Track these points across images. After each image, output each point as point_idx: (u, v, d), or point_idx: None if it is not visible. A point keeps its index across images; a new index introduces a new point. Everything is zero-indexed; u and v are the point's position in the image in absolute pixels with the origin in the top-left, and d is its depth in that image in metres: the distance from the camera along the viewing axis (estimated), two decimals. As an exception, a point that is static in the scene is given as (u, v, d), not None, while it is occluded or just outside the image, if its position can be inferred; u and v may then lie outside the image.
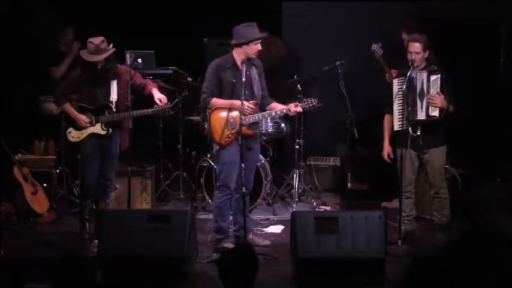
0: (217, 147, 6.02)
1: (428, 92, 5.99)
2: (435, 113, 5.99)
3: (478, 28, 8.09)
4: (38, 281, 4.05)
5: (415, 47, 6.04)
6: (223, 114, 5.94)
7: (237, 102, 5.82)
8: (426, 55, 6.06)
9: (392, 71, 7.02)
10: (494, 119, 8.22)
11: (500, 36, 8.32)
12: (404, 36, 7.13)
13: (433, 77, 6.00)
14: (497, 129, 8.21)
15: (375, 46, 6.99)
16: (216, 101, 5.94)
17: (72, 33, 7.68)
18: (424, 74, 6.02)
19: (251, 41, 5.88)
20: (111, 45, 6.15)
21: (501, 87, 8.34)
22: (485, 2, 8.17)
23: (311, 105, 5.98)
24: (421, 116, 6.01)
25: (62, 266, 3.72)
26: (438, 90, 5.98)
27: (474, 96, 7.89)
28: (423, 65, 6.09)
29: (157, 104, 6.19)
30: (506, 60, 8.32)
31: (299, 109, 5.99)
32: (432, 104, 5.97)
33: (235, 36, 5.92)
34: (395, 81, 6.13)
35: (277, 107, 6.09)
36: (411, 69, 5.97)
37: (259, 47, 5.92)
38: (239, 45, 5.90)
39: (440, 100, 5.96)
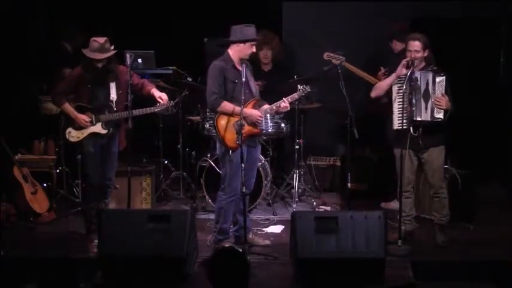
0: (223, 149, 6.01)
1: (433, 93, 5.98)
2: (440, 114, 5.98)
3: (478, 28, 8.10)
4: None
5: (415, 46, 6.02)
6: (228, 118, 5.97)
7: (238, 110, 5.85)
8: (425, 54, 6.05)
9: (381, 72, 7.01)
10: (494, 119, 8.23)
11: (501, 36, 8.33)
12: (397, 44, 7.13)
13: (438, 79, 5.98)
14: (498, 129, 8.22)
15: (327, 54, 6.91)
16: (225, 104, 5.93)
17: (82, 38, 7.63)
18: (430, 75, 6.00)
19: (249, 41, 5.93)
20: (113, 47, 6.16)
21: (501, 87, 8.36)
22: (485, 2, 8.17)
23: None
24: (425, 116, 6.00)
25: None
26: (443, 91, 5.97)
27: (474, 96, 7.89)
28: (422, 64, 6.07)
29: (159, 102, 6.20)
30: (506, 60, 8.35)
31: (287, 104, 6.09)
32: (438, 106, 5.96)
33: (233, 34, 5.96)
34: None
35: (264, 106, 6.13)
36: (412, 68, 5.96)
37: (254, 49, 5.98)
38: (237, 42, 5.93)
39: (445, 102, 5.95)
